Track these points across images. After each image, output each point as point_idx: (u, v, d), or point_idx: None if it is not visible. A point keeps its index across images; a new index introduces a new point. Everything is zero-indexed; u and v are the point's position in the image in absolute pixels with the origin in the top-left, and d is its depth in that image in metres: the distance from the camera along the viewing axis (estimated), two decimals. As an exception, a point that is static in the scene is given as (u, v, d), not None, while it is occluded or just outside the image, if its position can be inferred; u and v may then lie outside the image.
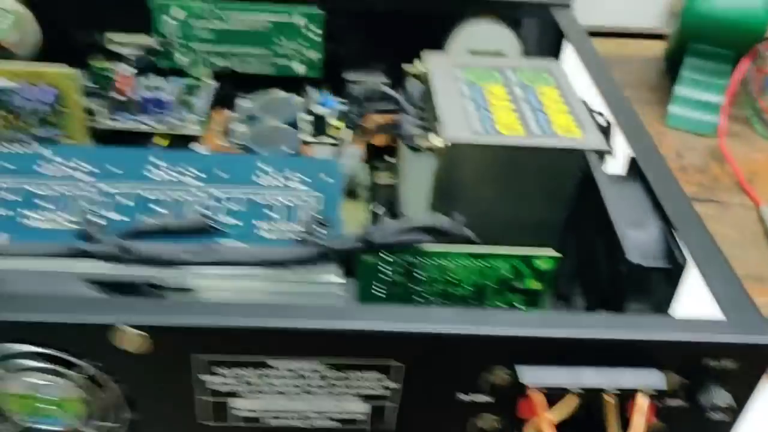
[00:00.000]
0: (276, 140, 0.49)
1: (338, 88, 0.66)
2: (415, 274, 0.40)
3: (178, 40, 0.63)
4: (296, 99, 0.53)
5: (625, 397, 0.33)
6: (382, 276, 0.40)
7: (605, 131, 0.49)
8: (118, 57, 0.65)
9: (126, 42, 0.65)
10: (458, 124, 0.46)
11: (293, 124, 0.52)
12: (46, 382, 0.31)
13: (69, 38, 0.65)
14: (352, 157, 0.54)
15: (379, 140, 0.58)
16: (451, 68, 0.53)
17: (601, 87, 0.54)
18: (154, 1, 0.61)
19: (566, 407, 0.33)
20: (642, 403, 0.32)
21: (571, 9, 0.64)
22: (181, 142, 0.58)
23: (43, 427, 0.33)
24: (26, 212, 0.39)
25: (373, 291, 0.40)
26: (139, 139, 0.58)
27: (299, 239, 0.38)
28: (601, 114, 0.50)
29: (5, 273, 0.33)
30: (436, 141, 0.45)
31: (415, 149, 0.48)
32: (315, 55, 0.64)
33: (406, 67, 0.54)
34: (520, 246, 0.40)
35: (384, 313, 0.33)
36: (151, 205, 0.41)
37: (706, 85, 0.87)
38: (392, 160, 0.58)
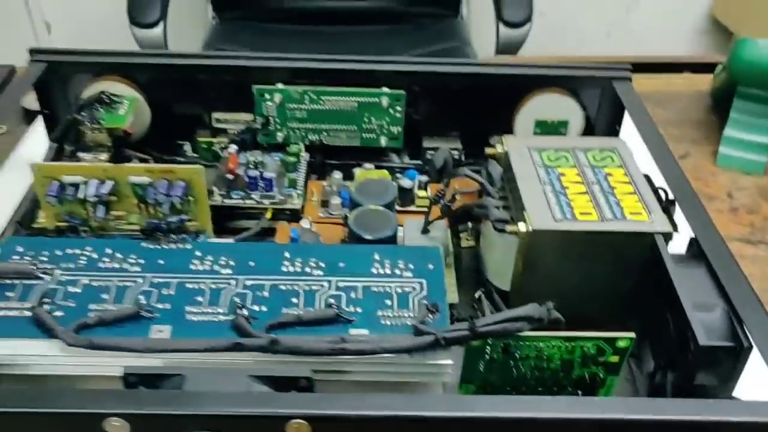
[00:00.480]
0: (376, 222, 0.57)
1: (414, 155, 0.74)
2: (512, 352, 0.47)
3: (276, 120, 0.71)
4: (392, 184, 0.60)
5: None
6: (485, 354, 0.47)
7: (667, 209, 0.55)
8: (222, 132, 0.73)
9: (229, 119, 0.73)
10: (540, 211, 0.53)
11: (390, 205, 0.59)
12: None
13: (176, 117, 0.74)
14: (440, 229, 0.61)
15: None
16: (528, 151, 0.59)
17: (660, 164, 0.61)
18: (256, 88, 0.69)
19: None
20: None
21: (631, 82, 0.70)
22: (283, 215, 0.66)
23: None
24: (186, 307, 0.47)
25: (475, 367, 0.47)
26: (248, 213, 0.66)
27: (416, 327, 0.45)
28: (664, 190, 0.57)
29: (188, 371, 0.41)
30: (522, 227, 0.52)
31: (501, 230, 0.55)
32: (396, 129, 0.71)
33: (487, 150, 0.61)
34: (593, 317, 0.47)
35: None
36: (288, 297, 0.48)
37: (755, 126, 0.93)
38: (470, 224, 0.65)
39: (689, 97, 1.07)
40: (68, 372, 0.46)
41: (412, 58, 0.71)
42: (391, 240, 0.56)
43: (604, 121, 0.71)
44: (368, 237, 0.55)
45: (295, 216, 0.66)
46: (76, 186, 0.58)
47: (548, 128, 0.71)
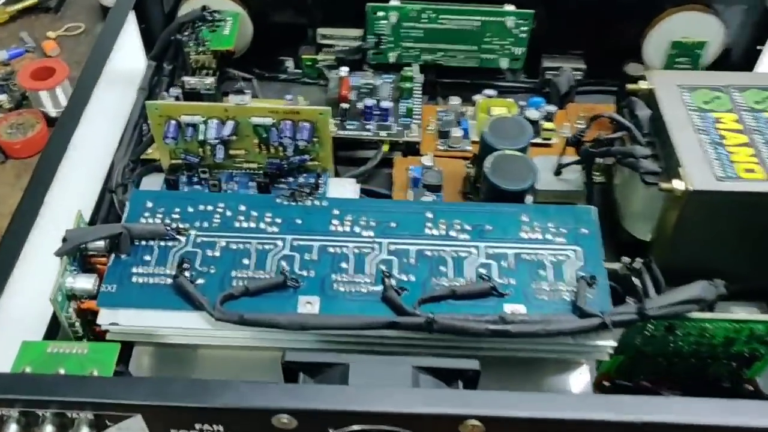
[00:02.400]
0: (514, 169, 0.53)
1: (531, 73, 0.69)
2: (675, 331, 0.44)
3: (388, 39, 0.65)
4: (527, 125, 0.55)
5: None
6: (644, 331, 0.45)
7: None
8: (327, 49, 0.69)
9: (335, 35, 0.68)
10: (699, 167, 0.49)
11: (525, 149, 0.55)
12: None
13: (278, 31, 0.69)
14: (573, 170, 0.58)
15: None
16: (678, 90, 0.54)
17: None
18: (369, 5, 0.63)
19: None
20: None
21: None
22: (401, 147, 0.62)
23: None
24: (332, 275, 0.45)
25: (631, 342, 0.45)
26: (362, 144, 0.62)
27: (581, 309, 0.43)
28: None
29: (350, 358, 0.40)
30: (679, 186, 0.48)
31: (652, 184, 0.51)
32: (520, 50, 0.65)
33: (629, 86, 0.56)
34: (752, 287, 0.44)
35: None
36: (436, 265, 0.46)
37: None
38: (601, 160, 0.61)
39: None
40: (217, 343, 0.45)
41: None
42: (530, 191, 0.53)
43: (742, 45, 0.65)
44: (509, 188, 0.51)
45: (412, 149, 0.62)
46: (194, 126, 0.54)
47: (684, 49, 0.65)
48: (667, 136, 0.51)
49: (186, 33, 0.64)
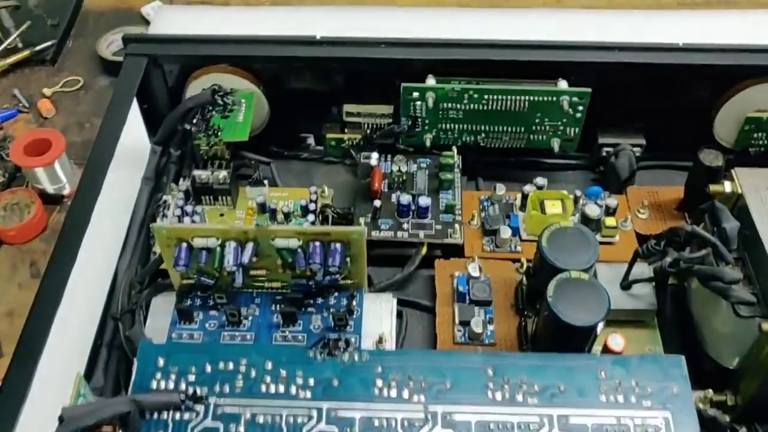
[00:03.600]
0: (582, 298, 0.45)
1: (582, 147, 0.61)
2: None
3: (425, 120, 0.58)
4: (592, 237, 0.48)
5: None
6: None
7: None
8: (353, 127, 0.61)
9: (362, 112, 0.60)
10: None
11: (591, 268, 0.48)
12: None
13: (298, 108, 0.61)
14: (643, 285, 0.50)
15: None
16: (769, 194, 0.47)
17: None
18: (404, 86, 0.56)
19: None
20: None
21: None
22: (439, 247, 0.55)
23: None
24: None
25: None
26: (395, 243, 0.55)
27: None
28: None
29: None
30: (781, 329, 0.41)
31: (747, 317, 0.43)
32: (573, 131, 0.58)
33: (711, 187, 0.48)
34: None
35: None
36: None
37: None
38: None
39: None
40: None
41: (595, 41, 0.56)
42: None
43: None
44: (580, 324, 0.44)
45: (454, 249, 0.55)
46: (209, 250, 0.47)
47: (760, 124, 0.57)
48: (762, 255, 0.44)
49: (195, 120, 0.56)
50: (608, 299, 0.45)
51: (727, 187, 0.48)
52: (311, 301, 0.49)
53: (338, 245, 0.46)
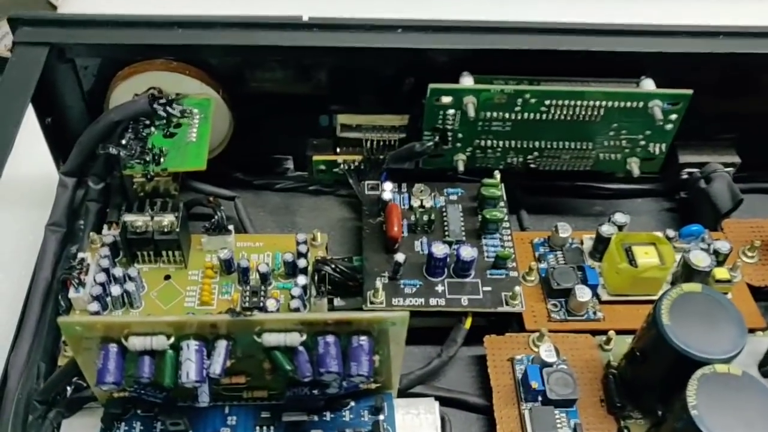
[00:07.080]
0: (738, 399, 0.30)
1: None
2: None
3: (456, 134, 0.41)
4: (733, 308, 0.32)
5: None
6: None
7: None
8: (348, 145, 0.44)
9: (364, 125, 0.43)
10: None
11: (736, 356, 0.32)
12: None
13: (274, 121, 0.43)
14: None
15: None
16: None
17: None
18: (432, 87, 0.39)
19: None
20: None
21: None
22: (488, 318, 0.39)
23: None
24: None
25: None
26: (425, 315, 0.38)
27: None
28: None
29: None
30: None
31: None
32: (659, 148, 0.42)
33: None
34: None
35: None
36: None
37: None
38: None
39: None
40: None
41: (691, 24, 0.41)
42: None
43: None
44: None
45: (506, 320, 0.38)
46: (152, 354, 0.29)
47: None
48: None
49: (124, 140, 0.38)
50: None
51: None
52: (316, 418, 0.32)
53: (364, 340, 0.29)
